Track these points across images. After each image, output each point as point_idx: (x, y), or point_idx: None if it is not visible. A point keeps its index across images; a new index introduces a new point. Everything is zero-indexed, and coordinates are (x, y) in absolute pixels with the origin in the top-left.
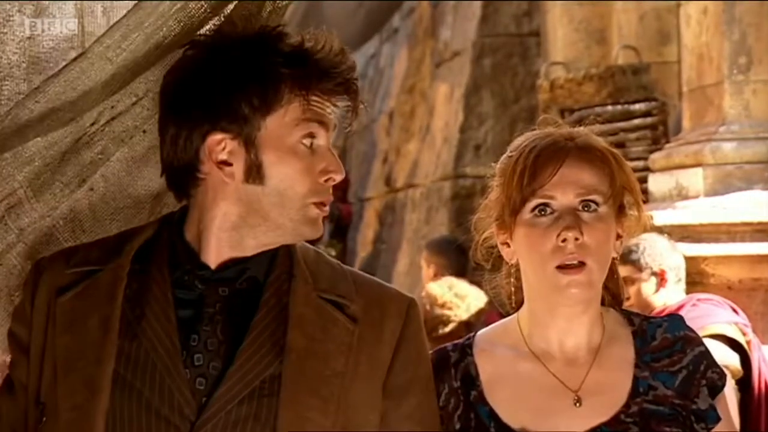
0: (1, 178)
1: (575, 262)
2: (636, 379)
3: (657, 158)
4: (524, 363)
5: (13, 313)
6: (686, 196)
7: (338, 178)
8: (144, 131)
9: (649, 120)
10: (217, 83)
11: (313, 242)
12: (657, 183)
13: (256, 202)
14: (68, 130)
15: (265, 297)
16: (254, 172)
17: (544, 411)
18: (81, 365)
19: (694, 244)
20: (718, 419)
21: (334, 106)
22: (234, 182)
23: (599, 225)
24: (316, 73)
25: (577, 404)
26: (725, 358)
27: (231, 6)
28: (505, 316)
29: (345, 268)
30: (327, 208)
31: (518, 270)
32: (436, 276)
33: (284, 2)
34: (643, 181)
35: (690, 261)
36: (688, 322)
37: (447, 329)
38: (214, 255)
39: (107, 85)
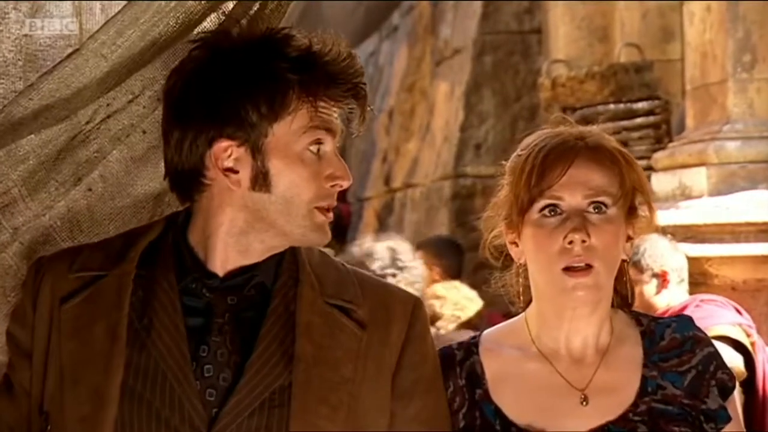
0: None
1: (582, 264)
2: (644, 379)
3: (660, 157)
4: (531, 362)
5: (12, 315)
6: (689, 195)
7: (345, 184)
8: (144, 131)
9: (651, 119)
10: (224, 89)
11: None
12: (660, 182)
13: (263, 209)
14: (63, 128)
15: (273, 305)
16: (261, 180)
17: (550, 410)
18: (88, 374)
19: (697, 245)
20: (728, 419)
21: (341, 110)
22: (240, 189)
23: (608, 227)
24: (325, 79)
25: (584, 403)
26: (729, 359)
27: (231, 4)
28: (508, 316)
29: (349, 269)
30: (331, 214)
31: (526, 269)
32: (442, 278)
33: (286, 1)
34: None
35: (693, 261)
36: None
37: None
38: (221, 261)
39: (102, 82)
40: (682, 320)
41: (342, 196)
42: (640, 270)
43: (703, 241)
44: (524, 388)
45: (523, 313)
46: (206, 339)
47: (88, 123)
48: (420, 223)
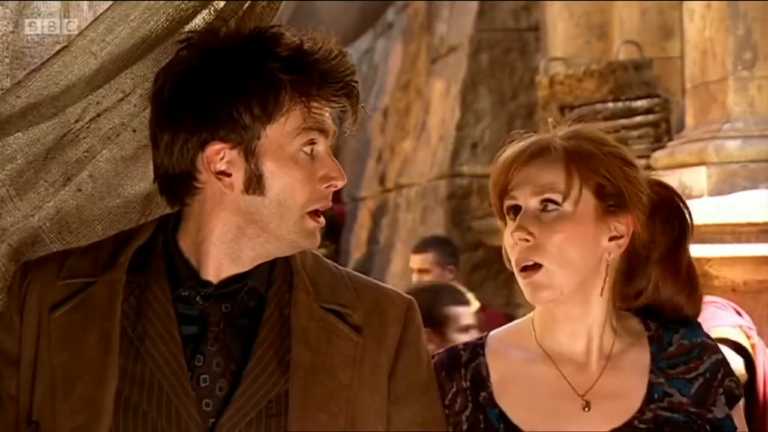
0: None
1: (529, 262)
2: (651, 385)
3: (659, 156)
4: (536, 365)
5: None
6: (689, 195)
7: (340, 184)
8: (134, 130)
9: (651, 117)
10: (216, 90)
11: None
12: None
13: (256, 212)
14: (51, 126)
15: (267, 312)
16: (254, 183)
17: (554, 414)
18: (81, 384)
19: (697, 245)
20: (734, 429)
21: (333, 109)
22: (233, 193)
23: (560, 225)
24: (317, 79)
25: (586, 409)
26: (729, 362)
27: (221, 3)
28: (508, 315)
29: (342, 271)
30: (322, 219)
31: None
32: (457, 278)
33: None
34: None
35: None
36: None
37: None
38: (214, 268)
39: (91, 80)
40: (690, 326)
41: (336, 196)
42: None
43: (703, 241)
44: (529, 392)
45: (530, 314)
46: (201, 348)
47: (77, 122)
48: (415, 223)
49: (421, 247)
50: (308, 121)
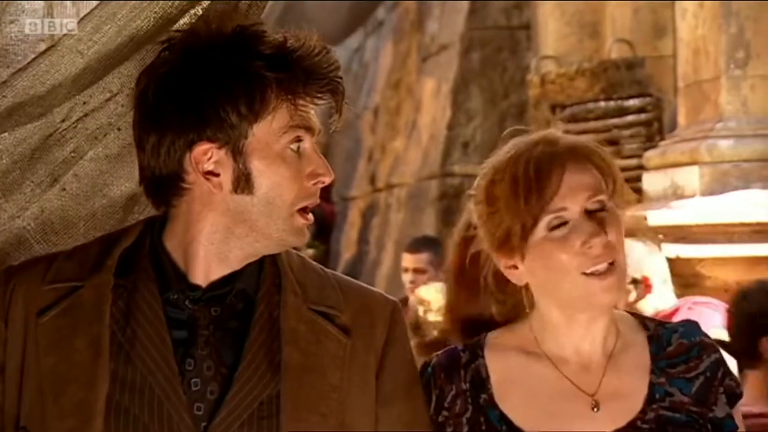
0: None
1: (604, 265)
2: (652, 385)
3: (651, 156)
4: (537, 366)
5: None
6: (682, 195)
7: (327, 180)
8: (119, 129)
9: (643, 116)
10: (201, 90)
11: None
12: (651, 182)
13: (245, 212)
14: (37, 126)
15: (257, 314)
16: (243, 182)
17: (559, 415)
18: (71, 389)
19: (689, 245)
20: (735, 428)
21: (317, 106)
22: (221, 193)
23: (616, 221)
24: (302, 77)
25: (595, 409)
26: None
27: (207, 1)
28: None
29: (329, 273)
30: (311, 216)
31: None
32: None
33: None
34: (638, 179)
35: (686, 263)
36: None
37: (436, 334)
38: (202, 271)
39: (78, 79)
40: (688, 325)
41: (326, 195)
42: None
43: (695, 241)
44: (531, 393)
45: (527, 319)
46: (192, 352)
47: (63, 121)
48: (406, 223)
49: (416, 246)
50: (295, 118)
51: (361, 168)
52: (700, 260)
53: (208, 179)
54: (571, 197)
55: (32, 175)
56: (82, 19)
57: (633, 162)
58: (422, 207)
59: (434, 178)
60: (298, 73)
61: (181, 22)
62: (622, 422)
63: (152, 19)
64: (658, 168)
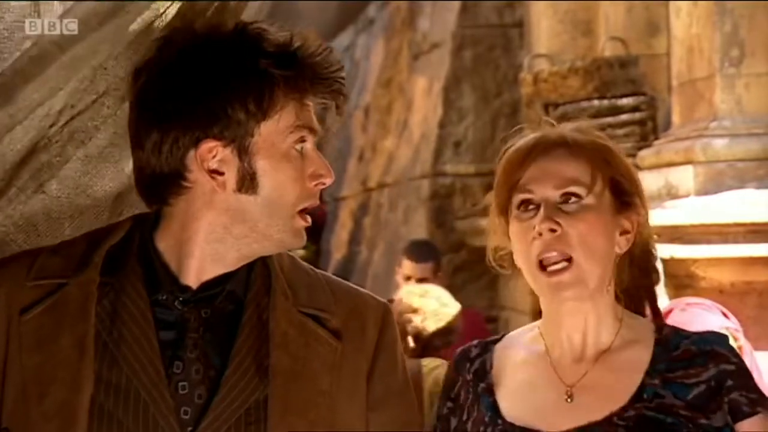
0: None
1: (557, 256)
2: (643, 385)
3: (645, 155)
4: (535, 358)
5: None
6: (676, 195)
7: (328, 181)
8: (102, 129)
9: (637, 115)
10: (208, 87)
11: None
12: (645, 181)
13: (247, 212)
14: (24, 132)
15: (246, 316)
16: (247, 182)
17: (537, 404)
18: (55, 389)
19: (684, 246)
20: None
21: (318, 106)
22: (224, 192)
23: (583, 215)
24: (309, 76)
25: (569, 399)
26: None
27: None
28: (487, 317)
29: (319, 273)
30: (309, 218)
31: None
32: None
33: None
34: None
35: (680, 263)
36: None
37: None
38: (195, 270)
39: (61, 75)
40: (708, 335)
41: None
42: None
43: (689, 242)
44: (521, 383)
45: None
46: (180, 354)
47: (52, 126)
48: (397, 223)
49: (421, 255)
50: (300, 118)
51: (352, 167)
52: (695, 261)
53: (213, 178)
54: (540, 182)
55: (17, 180)
56: (66, 12)
57: None
58: (414, 207)
59: (426, 178)
60: (306, 72)
61: (165, 19)
62: (598, 416)
63: (135, 17)
64: (652, 167)
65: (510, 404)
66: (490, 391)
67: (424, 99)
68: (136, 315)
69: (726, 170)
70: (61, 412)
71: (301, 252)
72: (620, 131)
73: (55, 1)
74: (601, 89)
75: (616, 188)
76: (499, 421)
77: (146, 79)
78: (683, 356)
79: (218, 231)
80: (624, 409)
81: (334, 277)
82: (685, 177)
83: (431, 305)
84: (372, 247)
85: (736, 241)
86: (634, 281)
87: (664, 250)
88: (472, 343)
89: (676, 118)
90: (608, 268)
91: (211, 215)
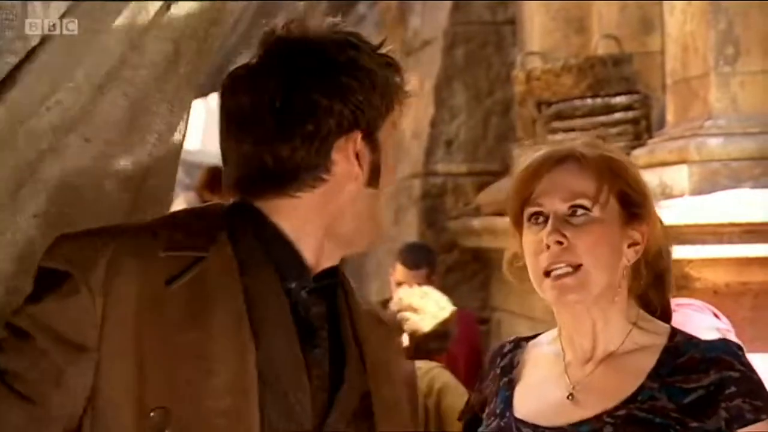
0: None
1: (562, 265)
2: (642, 388)
3: (639, 154)
4: (551, 357)
5: (55, 314)
6: (670, 194)
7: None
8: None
9: (630, 114)
10: (356, 81)
11: None
12: None
13: (367, 206)
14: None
15: (342, 309)
16: (375, 175)
17: (543, 400)
18: (220, 367)
19: (678, 246)
20: None
21: None
22: (357, 185)
23: (591, 227)
24: (402, 76)
25: (570, 398)
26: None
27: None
28: (479, 318)
29: None
30: None
31: None
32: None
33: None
34: None
35: (674, 264)
36: None
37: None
38: (314, 263)
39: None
40: (717, 342)
41: None
42: None
43: (684, 242)
44: (535, 379)
45: None
46: (316, 343)
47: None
48: (388, 223)
49: (415, 262)
50: (398, 116)
51: None
52: (689, 261)
53: (353, 171)
54: (549, 195)
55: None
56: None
57: None
58: (405, 206)
59: (417, 177)
60: (400, 73)
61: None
62: (590, 414)
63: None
64: (646, 167)
65: (522, 400)
66: (511, 385)
67: (415, 97)
68: (274, 301)
69: (721, 170)
70: (233, 390)
71: None
72: (614, 130)
73: (49, 1)
74: (594, 87)
75: (624, 200)
76: (507, 414)
77: (285, 78)
78: (687, 363)
79: (341, 224)
80: (616, 408)
81: None
82: (679, 176)
83: (431, 307)
84: None
85: (731, 242)
86: (647, 287)
87: None
88: (508, 339)
89: (670, 117)
90: (614, 277)
91: (341, 208)
